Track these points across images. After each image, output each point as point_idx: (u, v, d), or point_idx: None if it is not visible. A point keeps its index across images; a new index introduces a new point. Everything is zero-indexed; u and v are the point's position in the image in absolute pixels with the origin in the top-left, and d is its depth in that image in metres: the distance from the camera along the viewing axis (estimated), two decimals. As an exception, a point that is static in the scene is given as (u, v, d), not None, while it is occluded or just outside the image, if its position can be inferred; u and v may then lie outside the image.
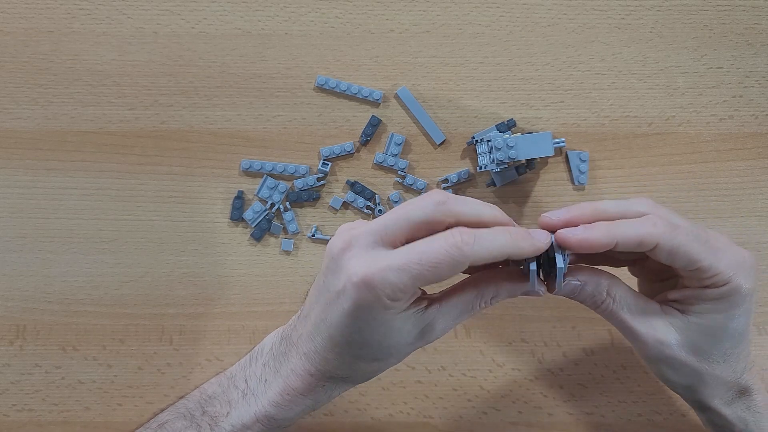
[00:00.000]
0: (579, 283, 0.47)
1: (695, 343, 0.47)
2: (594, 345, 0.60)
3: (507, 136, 0.56)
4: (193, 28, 0.61)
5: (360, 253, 0.42)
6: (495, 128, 0.60)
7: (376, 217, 0.60)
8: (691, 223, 0.46)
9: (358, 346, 0.44)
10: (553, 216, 0.46)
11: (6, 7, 0.61)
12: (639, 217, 0.45)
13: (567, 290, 0.47)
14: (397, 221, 0.43)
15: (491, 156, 0.57)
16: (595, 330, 0.60)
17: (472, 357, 0.60)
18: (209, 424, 0.46)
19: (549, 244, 0.45)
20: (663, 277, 0.50)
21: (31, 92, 0.61)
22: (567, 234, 0.44)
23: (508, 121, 0.60)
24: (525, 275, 0.46)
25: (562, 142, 0.59)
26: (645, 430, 0.60)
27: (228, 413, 0.46)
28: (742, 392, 0.50)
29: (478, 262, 0.42)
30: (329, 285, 0.43)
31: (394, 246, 0.43)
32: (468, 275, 0.48)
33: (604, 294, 0.47)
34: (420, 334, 0.45)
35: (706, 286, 0.46)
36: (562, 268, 0.45)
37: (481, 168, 0.58)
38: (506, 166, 0.57)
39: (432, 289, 0.46)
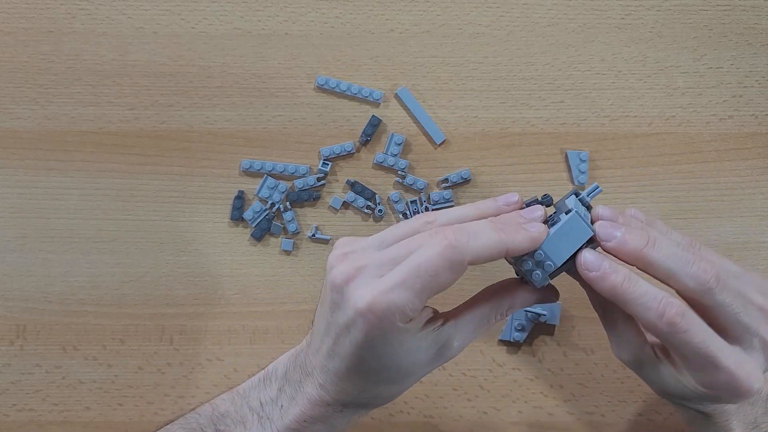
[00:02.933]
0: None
1: (657, 386, 0.47)
2: (594, 345, 0.60)
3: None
4: (193, 28, 0.61)
5: (365, 282, 0.41)
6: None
7: (375, 217, 0.60)
8: (731, 311, 0.43)
9: (375, 372, 0.43)
10: (587, 271, 0.43)
11: (6, 7, 0.61)
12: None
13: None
14: (407, 256, 0.41)
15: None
16: (595, 330, 0.60)
17: (472, 357, 0.60)
18: None
19: (545, 235, 0.43)
20: None
21: (31, 92, 0.61)
22: (587, 264, 0.43)
23: (543, 197, 0.47)
24: (528, 282, 0.45)
25: (597, 189, 0.46)
26: (645, 430, 0.60)
27: None
28: (707, 416, 0.48)
29: (476, 260, 0.41)
30: (337, 319, 0.42)
31: None
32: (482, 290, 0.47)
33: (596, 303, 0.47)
34: (438, 353, 0.44)
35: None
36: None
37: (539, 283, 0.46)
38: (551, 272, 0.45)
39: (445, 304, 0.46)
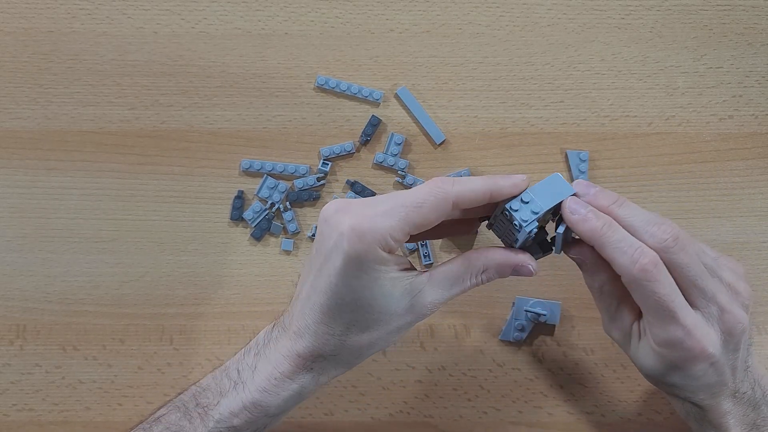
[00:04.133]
0: (586, 256, 0.48)
1: (639, 364, 0.49)
2: (594, 345, 0.60)
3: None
4: (193, 28, 0.61)
5: (352, 210, 0.44)
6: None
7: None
8: (694, 273, 0.45)
9: (348, 309, 0.44)
10: (571, 214, 0.46)
11: (6, 7, 0.61)
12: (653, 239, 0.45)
13: (575, 253, 0.49)
14: (394, 197, 0.45)
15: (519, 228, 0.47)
16: (595, 330, 0.60)
17: (472, 357, 0.60)
18: (200, 414, 0.47)
19: (527, 183, 0.46)
20: None
21: (31, 92, 0.61)
22: (571, 208, 0.46)
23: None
24: (510, 246, 0.48)
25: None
26: (645, 430, 0.60)
27: (218, 402, 0.47)
28: (696, 406, 0.49)
29: (461, 201, 0.44)
30: (321, 249, 0.44)
31: None
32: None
33: (596, 286, 0.49)
34: (410, 305, 0.45)
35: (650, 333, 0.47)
36: (560, 233, 0.47)
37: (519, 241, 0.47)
38: (535, 228, 0.47)
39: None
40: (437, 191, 0.44)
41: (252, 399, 0.46)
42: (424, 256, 0.60)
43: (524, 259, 0.47)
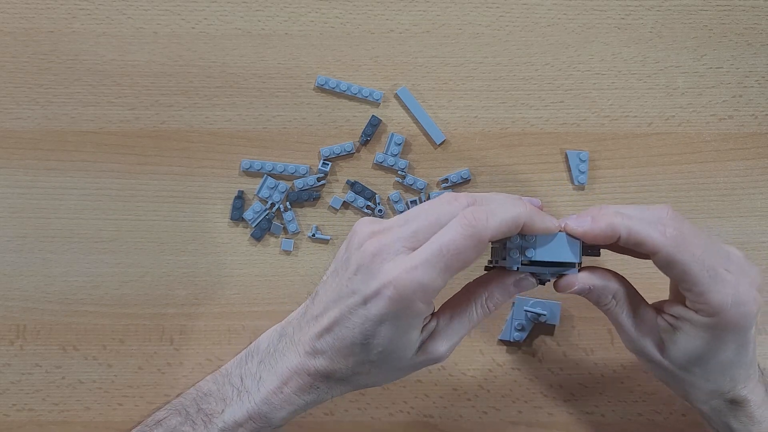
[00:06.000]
0: (586, 287, 0.47)
1: (678, 360, 0.47)
2: (594, 345, 0.60)
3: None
4: (193, 28, 0.61)
5: (391, 257, 0.43)
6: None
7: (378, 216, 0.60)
8: (709, 240, 0.45)
9: (368, 350, 0.44)
10: (577, 227, 0.46)
11: (6, 7, 0.61)
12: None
13: (573, 292, 0.48)
14: (429, 228, 0.43)
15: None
16: (595, 330, 0.60)
17: (472, 357, 0.60)
18: (203, 421, 0.47)
19: (559, 229, 0.46)
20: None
21: (31, 92, 0.61)
22: (573, 225, 0.45)
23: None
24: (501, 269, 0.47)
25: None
26: (645, 430, 0.60)
27: (222, 410, 0.47)
28: (733, 402, 0.49)
29: (496, 235, 0.43)
30: (357, 289, 0.43)
31: None
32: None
33: (609, 297, 0.48)
34: (422, 349, 0.46)
35: (696, 310, 0.46)
36: (565, 274, 0.47)
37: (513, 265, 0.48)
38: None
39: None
40: (472, 233, 0.42)
41: (258, 411, 0.46)
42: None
43: (525, 283, 0.47)
